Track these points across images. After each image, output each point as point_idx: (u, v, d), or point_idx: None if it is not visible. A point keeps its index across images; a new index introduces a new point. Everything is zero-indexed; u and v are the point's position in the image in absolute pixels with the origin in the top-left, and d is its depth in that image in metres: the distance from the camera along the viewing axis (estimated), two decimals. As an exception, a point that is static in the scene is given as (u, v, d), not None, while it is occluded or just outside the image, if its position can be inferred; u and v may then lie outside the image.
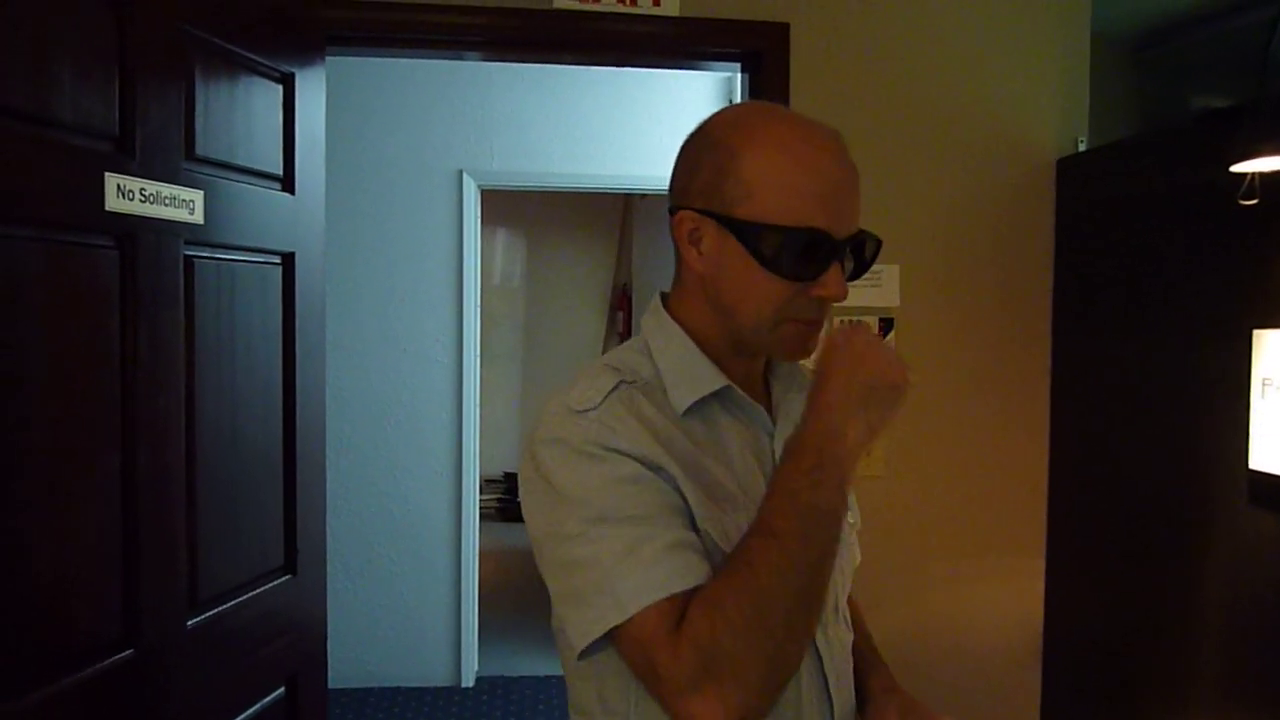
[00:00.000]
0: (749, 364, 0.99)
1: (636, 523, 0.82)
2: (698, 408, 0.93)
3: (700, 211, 0.91)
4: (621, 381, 0.91)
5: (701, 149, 0.93)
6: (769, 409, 0.99)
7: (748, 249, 0.87)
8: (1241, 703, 1.71)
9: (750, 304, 0.89)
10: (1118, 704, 2.08)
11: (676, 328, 0.97)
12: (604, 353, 1.26)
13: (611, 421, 0.87)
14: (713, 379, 0.93)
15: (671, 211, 0.94)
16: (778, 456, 0.94)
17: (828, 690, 0.96)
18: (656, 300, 1.01)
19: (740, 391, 0.95)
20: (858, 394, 0.83)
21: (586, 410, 0.87)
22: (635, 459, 0.85)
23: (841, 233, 0.88)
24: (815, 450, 0.81)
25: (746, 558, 0.79)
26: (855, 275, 0.93)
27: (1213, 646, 1.79)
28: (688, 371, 0.94)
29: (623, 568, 0.81)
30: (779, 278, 0.87)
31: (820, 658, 0.95)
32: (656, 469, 0.86)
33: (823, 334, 0.93)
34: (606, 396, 0.88)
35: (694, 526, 0.86)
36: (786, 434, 0.92)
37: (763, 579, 0.76)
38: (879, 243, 0.94)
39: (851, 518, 1.07)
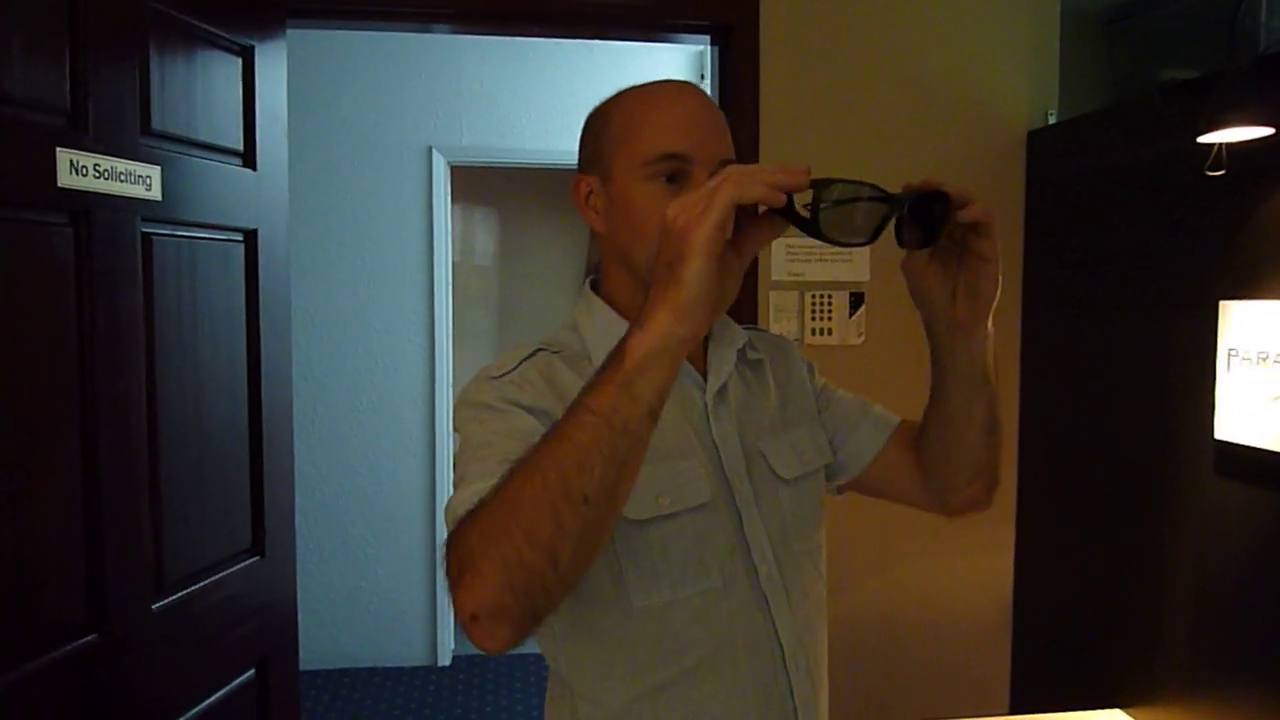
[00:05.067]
0: None
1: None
2: None
3: (587, 174, 1.01)
4: (540, 350, 0.99)
5: (589, 124, 1.03)
6: (704, 368, 1.03)
7: (784, 216, 0.84)
8: (1207, 669, 1.74)
9: (641, 240, 0.93)
10: (1086, 672, 2.11)
11: (599, 301, 1.04)
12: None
13: (520, 382, 0.93)
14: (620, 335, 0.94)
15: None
16: (710, 410, 1.01)
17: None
18: (585, 284, 1.08)
19: None
20: (661, 269, 0.73)
21: (502, 375, 0.94)
22: (535, 414, 0.89)
23: (702, 157, 0.93)
24: (615, 347, 0.75)
25: (510, 469, 0.75)
26: (925, 245, 0.90)
27: (1179, 615, 1.81)
28: (608, 334, 0.94)
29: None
30: (655, 201, 0.91)
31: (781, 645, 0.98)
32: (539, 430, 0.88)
33: None
34: (522, 362, 0.95)
35: None
36: (718, 385, 1.02)
37: (511, 484, 0.72)
38: (950, 210, 0.87)
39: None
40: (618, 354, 0.72)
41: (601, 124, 1.00)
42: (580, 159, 1.04)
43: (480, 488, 0.77)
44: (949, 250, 0.91)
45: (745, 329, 1.12)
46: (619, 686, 0.95)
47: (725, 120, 0.99)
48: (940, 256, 0.92)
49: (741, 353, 1.08)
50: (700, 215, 0.70)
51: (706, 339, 1.06)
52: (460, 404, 0.94)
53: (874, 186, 0.76)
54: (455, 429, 0.94)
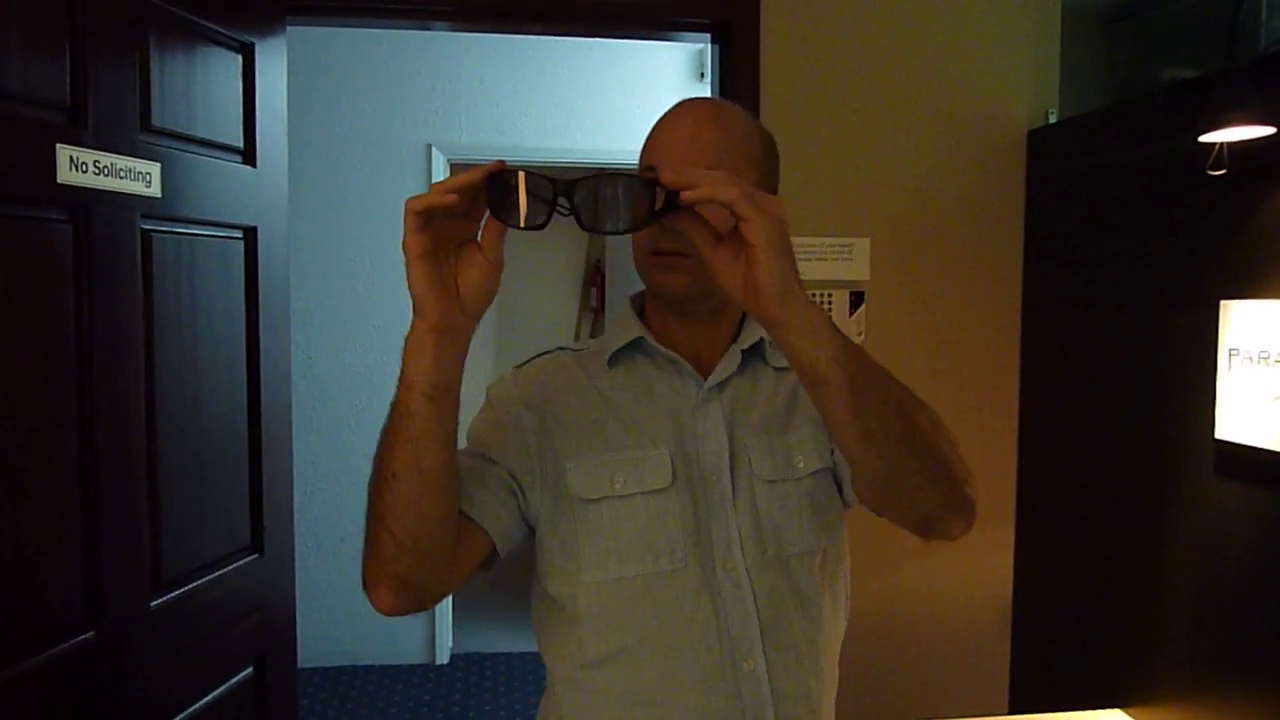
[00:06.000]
0: (694, 330, 1.06)
1: (469, 454, 1.01)
2: (624, 360, 1.06)
3: None
4: (561, 348, 1.10)
5: None
6: (711, 367, 1.06)
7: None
8: (1207, 670, 1.74)
9: (633, 254, 1.02)
10: (1085, 671, 2.10)
11: (628, 305, 1.11)
12: (577, 328, 1.38)
13: (517, 378, 1.07)
14: (629, 332, 1.06)
15: None
16: (699, 404, 1.04)
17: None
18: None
19: (654, 342, 1.05)
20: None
21: (516, 369, 1.08)
22: (503, 408, 1.05)
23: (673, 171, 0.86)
24: None
25: None
26: (632, 227, 0.83)
27: (1179, 615, 1.81)
28: (618, 330, 1.08)
29: None
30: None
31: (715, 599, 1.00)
32: (514, 418, 1.03)
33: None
34: (535, 358, 1.03)
35: (525, 465, 1.01)
36: (716, 381, 1.04)
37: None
38: (650, 184, 0.80)
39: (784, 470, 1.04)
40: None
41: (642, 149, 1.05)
42: None
43: None
44: (736, 238, 0.81)
45: None
46: (566, 656, 1.02)
47: (731, 134, 0.98)
48: (731, 246, 0.82)
49: (760, 354, 1.08)
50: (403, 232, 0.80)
51: (733, 342, 1.07)
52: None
53: (534, 176, 0.79)
54: None
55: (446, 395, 0.82)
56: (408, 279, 0.80)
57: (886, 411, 0.85)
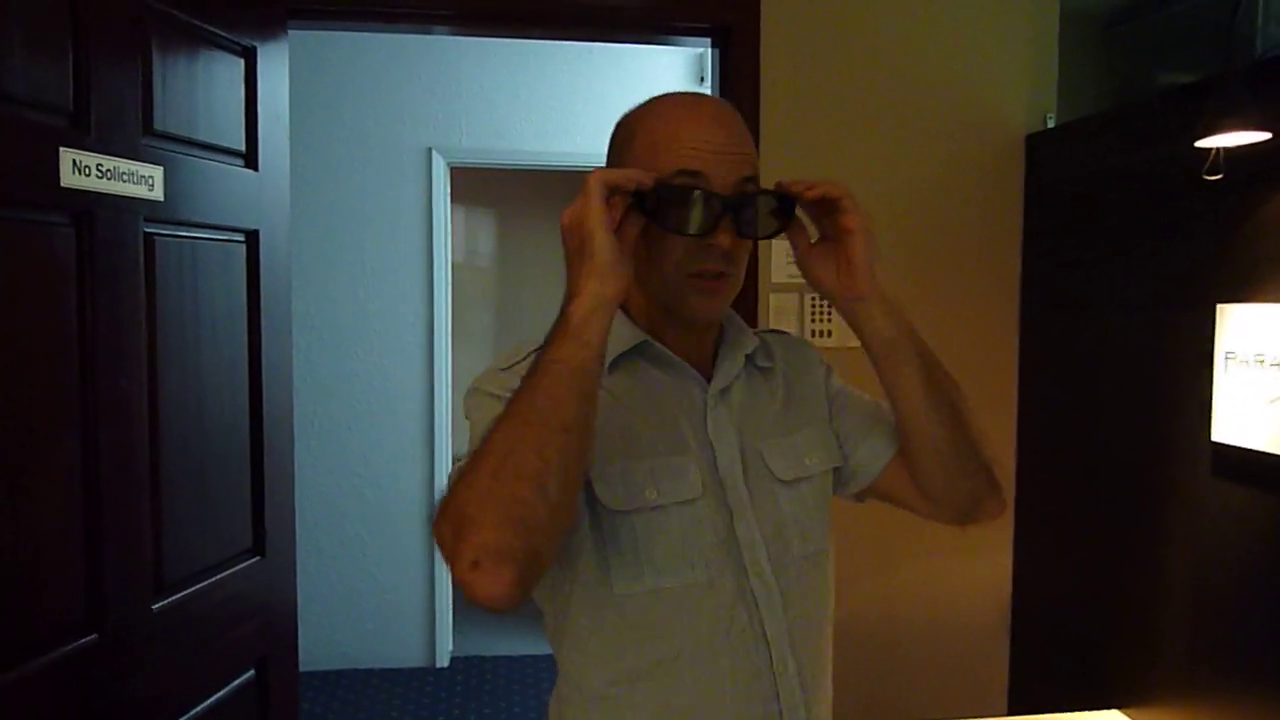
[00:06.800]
0: (691, 335, 1.05)
1: None
2: (625, 365, 1.03)
3: None
4: None
5: (613, 136, 1.04)
6: (710, 370, 1.06)
7: (640, 209, 0.92)
8: (1204, 670, 1.75)
9: (654, 263, 0.97)
10: (1083, 672, 2.11)
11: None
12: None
13: (518, 375, 0.97)
14: (632, 336, 1.03)
15: None
16: (709, 409, 1.03)
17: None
18: None
19: (660, 346, 1.03)
20: (573, 255, 0.88)
21: (509, 367, 0.99)
22: None
23: (718, 181, 0.94)
24: (558, 315, 0.87)
25: (491, 425, 0.84)
26: (773, 233, 0.99)
27: (1177, 616, 1.82)
28: (617, 335, 1.01)
29: None
30: (668, 232, 0.94)
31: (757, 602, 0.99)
32: None
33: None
34: (528, 355, 0.96)
35: None
36: (721, 386, 1.05)
37: (495, 435, 0.82)
38: (783, 197, 0.97)
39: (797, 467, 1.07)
40: (561, 321, 0.86)
41: (626, 136, 1.01)
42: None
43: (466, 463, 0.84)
44: (825, 233, 1.01)
45: (764, 332, 1.14)
46: (598, 669, 0.98)
47: (748, 135, 0.99)
48: (822, 241, 1.01)
49: (751, 357, 1.09)
50: (585, 202, 0.86)
51: (718, 344, 1.08)
52: (469, 393, 1.00)
53: (705, 190, 0.92)
54: (465, 416, 1.01)
55: (603, 361, 0.87)
56: (591, 247, 0.85)
57: (946, 381, 1.03)
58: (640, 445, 0.98)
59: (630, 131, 1.00)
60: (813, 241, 1.02)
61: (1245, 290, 1.63)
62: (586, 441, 0.84)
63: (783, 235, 1.00)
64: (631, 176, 0.89)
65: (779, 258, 2.15)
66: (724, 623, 0.97)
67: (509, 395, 0.92)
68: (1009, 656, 2.39)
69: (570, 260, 0.88)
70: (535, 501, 0.78)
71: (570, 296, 0.86)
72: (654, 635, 0.96)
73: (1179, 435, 1.79)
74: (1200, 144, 1.60)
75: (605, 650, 0.98)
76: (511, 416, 0.82)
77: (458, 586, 0.79)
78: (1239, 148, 1.58)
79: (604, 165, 1.02)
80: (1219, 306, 1.66)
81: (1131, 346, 1.95)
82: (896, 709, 2.30)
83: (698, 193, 0.91)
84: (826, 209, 0.98)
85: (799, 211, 0.99)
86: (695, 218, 0.91)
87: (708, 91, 2.42)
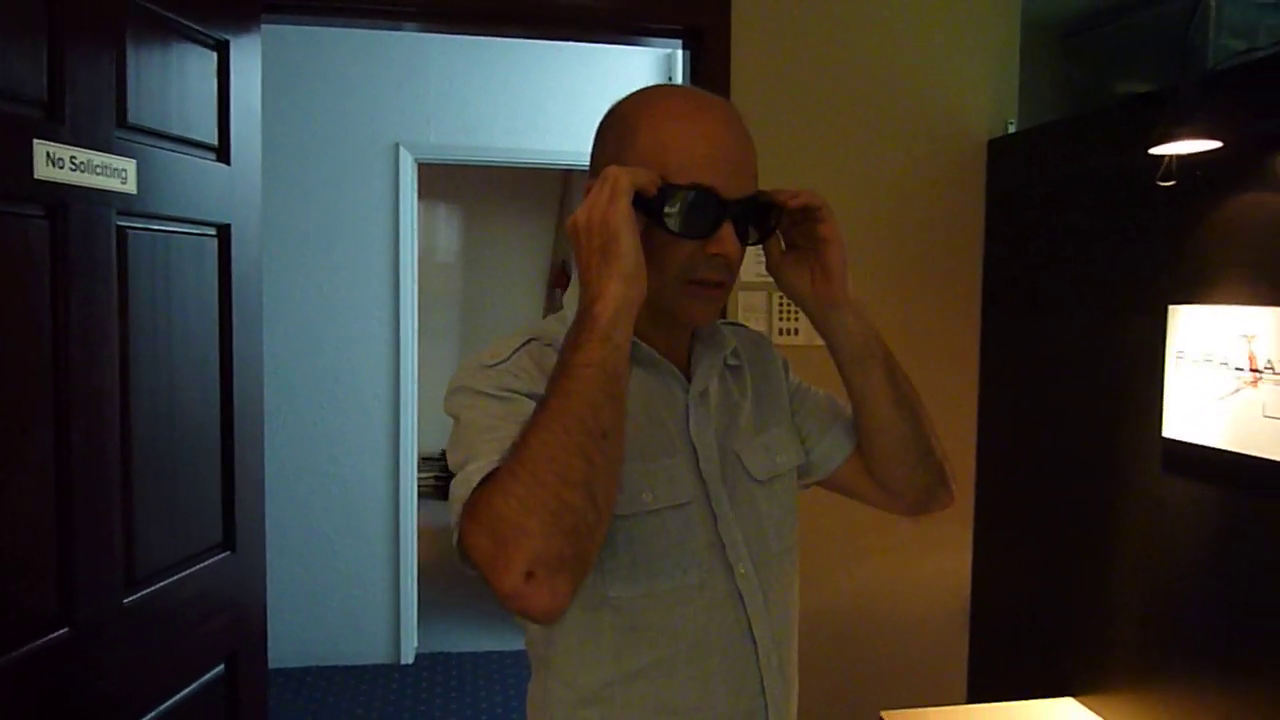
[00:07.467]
0: (672, 335, 1.05)
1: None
2: None
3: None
4: (532, 340, 0.99)
5: (608, 127, 1.00)
6: (689, 370, 1.06)
7: (644, 212, 0.91)
8: (1155, 659, 1.81)
9: (653, 267, 0.91)
10: (1041, 664, 2.17)
11: None
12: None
13: (515, 370, 0.95)
14: None
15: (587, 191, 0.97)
16: (691, 410, 1.03)
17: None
18: (577, 276, 1.04)
19: (646, 347, 1.01)
20: (594, 255, 0.87)
21: (496, 364, 0.95)
22: (532, 399, 0.89)
23: (731, 192, 0.94)
24: (579, 316, 0.86)
25: (522, 433, 0.81)
26: (764, 240, 1.02)
27: (1128, 607, 1.88)
28: None
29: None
30: (674, 237, 0.93)
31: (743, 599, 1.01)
32: (527, 413, 0.92)
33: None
34: (515, 351, 0.96)
35: None
36: (701, 388, 1.05)
37: (533, 441, 0.79)
38: (781, 209, 1.01)
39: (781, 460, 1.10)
40: (587, 323, 0.84)
41: (626, 132, 0.96)
42: (594, 161, 1.00)
43: (488, 463, 0.82)
44: (800, 241, 1.05)
45: (726, 324, 1.15)
46: (593, 670, 0.98)
47: (751, 147, 0.99)
48: (795, 249, 1.06)
49: (725, 358, 1.11)
50: (610, 201, 0.86)
51: (692, 342, 1.08)
52: (455, 390, 0.95)
53: (710, 194, 0.92)
54: (449, 413, 0.95)
55: (630, 364, 0.87)
56: (617, 249, 0.85)
57: (905, 380, 1.09)
58: (633, 447, 0.95)
59: (630, 127, 0.96)
60: (782, 248, 1.06)
61: (1195, 292, 1.69)
62: (621, 446, 0.84)
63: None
64: (653, 179, 0.89)
65: (748, 258, 2.17)
66: (715, 622, 0.99)
67: (507, 394, 0.91)
68: (968, 647, 2.45)
69: (589, 261, 0.87)
70: (585, 508, 0.78)
71: (593, 298, 0.85)
72: (650, 636, 0.97)
73: (1132, 432, 1.85)
74: (1154, 151, 1.66)
75: (601, 652, 0.97)
76: (548, 422, 0.80)
77: (506, 599, 0.77)
78: (1191, 155, 1.65)
79: (585, 159, 1.01)
80: (1170, 308, 1.72)
81: (1087, 346, 2.01)
82: (859, 699, 2.35)
83: (711, 201, 0.92)
84: (803, 217, 1.02)
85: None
86: (705, 226, 0.92)
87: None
